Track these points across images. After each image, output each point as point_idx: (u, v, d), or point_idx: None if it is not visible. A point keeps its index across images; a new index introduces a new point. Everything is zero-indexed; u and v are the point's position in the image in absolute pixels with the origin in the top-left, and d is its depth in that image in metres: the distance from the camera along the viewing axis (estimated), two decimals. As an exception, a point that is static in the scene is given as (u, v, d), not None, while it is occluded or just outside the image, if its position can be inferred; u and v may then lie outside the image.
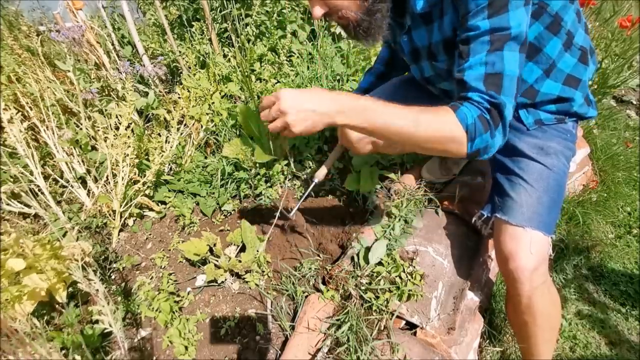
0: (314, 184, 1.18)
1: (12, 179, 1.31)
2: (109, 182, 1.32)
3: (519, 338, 1.01)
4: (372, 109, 0.72)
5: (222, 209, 1.42)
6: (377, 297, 1.03)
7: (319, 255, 1.23)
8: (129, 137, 1.32)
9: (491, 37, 0.70)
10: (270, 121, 0.75)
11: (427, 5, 0.81)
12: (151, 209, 1.42)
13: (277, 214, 1.26)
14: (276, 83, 1.98)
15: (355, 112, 0.72)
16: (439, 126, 0.72)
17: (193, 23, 2.17)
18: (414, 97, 1.11)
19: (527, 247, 0.87)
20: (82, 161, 1.43)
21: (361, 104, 0.72)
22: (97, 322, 0.95)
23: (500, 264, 0.94)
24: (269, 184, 1.47)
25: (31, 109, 1.39)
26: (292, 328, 1.04)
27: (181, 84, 1.90)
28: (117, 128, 1.34)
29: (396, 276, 1.07)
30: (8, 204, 1.27)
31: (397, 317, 1.02)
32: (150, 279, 1.21)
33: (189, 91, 1.69)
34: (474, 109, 0.71)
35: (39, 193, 1.30)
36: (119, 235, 1.35)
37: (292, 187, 1.51)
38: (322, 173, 1.18)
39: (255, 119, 1.49)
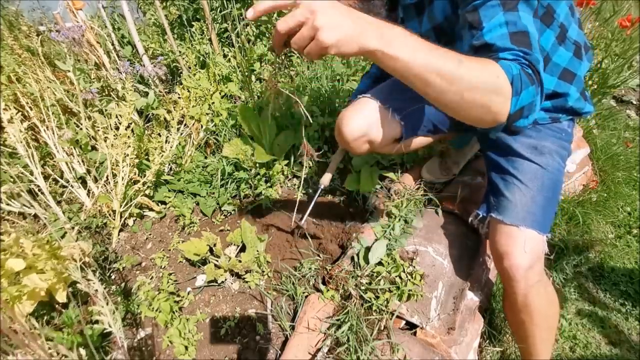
0: (320, 190, 1.19)
1: (12, 179, 1.31)
2: (109, 182, 1.32)
3: (517, 338, 1.02)
4: (413, 39, 0.60)
5: (222, 209, 1.42)
6: (377, 297, 1.03)
7: (319, 255, 1.23)
8: (129, 137, 1.32)
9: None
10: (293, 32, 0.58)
11: None
12: (151, 209, 1.42)
13: (293, 225, 1.28)
14: (276, 83, 1.98)
15: (395, 37, 0.58)
16: (484, 71, 0.61)
17: (193, 23, 2.17)
18: (411, 98, 1.11)
19: (522, 245, 0.87)
20: (82, 161, 1.43)
21: (401, 31, 0.60)
22: (96, 322, 0.95)
23: (495, 262, 0.94)
24: (269, 184, 1.48)
25: (31, 109, 1.39)
26: (292, 328, 1.04)
27: (181, 84, 1.90)
28: (117, 128, 1.34)
29: (396, 276, 1.07)
30: (8, 204, 1.27)
31: (397, 317, 1.02)
32: (150, 279, 1.21)
33: (189, 91, 1.69)
34: (514, 64, 0.63)
35: (39, 193, 1.30)
36: (118, 235, 1.35)
37: (292, 187, 1.51)
38: (327, 179, 1.20)
39: (255, 119, 1.49)
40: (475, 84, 0.60)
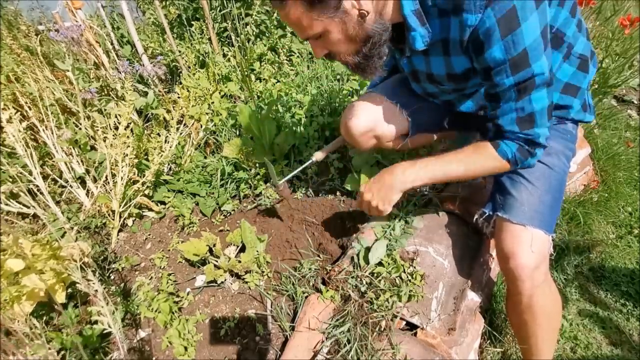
0: (310, 161, 1.20)
1: (11, 179, 1.31)
2: (108, 182, 1.32)
3: (519, 338, 1.01)
4: (430, 167, 0.90)
5: (222, 209, 1.42)
6: (378, 298, 1.03)
7: (318, 256, 1.23)
8: (128, 137, 1.31)
9: (517, 87, 0.76)
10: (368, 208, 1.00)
11: (426, 45, 0.85)
12: (150, 209, 1.42)
13: (270, 183, 1.28)
14: (276, 82, 1.98)
15: (417, 175, 0.91)
16: (485, 164, 0.88)
17: (192, 22, 2.17)
18: (417, 94, 1.10)
19: (528, 245, 0.86)
20: (81, 161, 1.43)
21: (420, 168, 0.91)
22: (96, 322, 0.94)
23: (501, 262, 0.93)
24: (268, 184, 1.47)
25: (30, 109, 1.39)
26: (292, 329, 1.03)
27: (181, 83, 1.90)
28: (117, 128, 1.33)
29: (396, 276, 1.06)
30: (7, 204, 1.27)
31: (398, 317, 1.02)
32: (150, 279, 1.20)
33: (188, 91, 1.68)
34: (512, 144, 0.84)
35: (38, 193, 1.30)
36: (118, 235, 1.35)
37: (292, 188, 1.50)
38: (320, 154, 1.20)
39: (255, 119, 1.49)
40: (481, 172, 0.91)
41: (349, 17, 0.75)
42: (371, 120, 1.08)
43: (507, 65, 0.73)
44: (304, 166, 1.21)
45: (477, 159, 0.88)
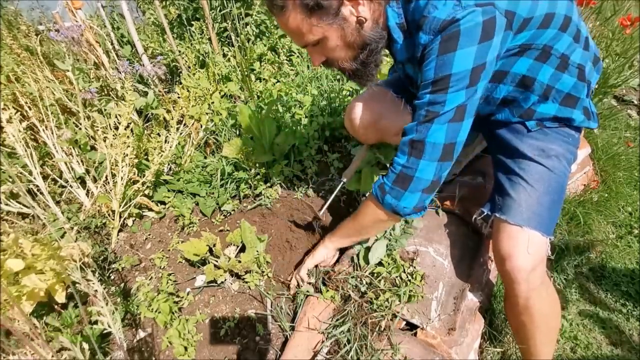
0: (342, 183, 1.20)
1: (11, 179, 1.31)
2: (108, 182, 1.31)
3: (518, 339, 1.01)
4: (336, 240, 1.09)
5: (222, 209, 1.42)
6: (378, 298, 1.03)
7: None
8: (128, 137, 1.31)
9: (426, 110, 0.77)
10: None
11: (405, 57, 0.87)
12: (150, 209, 1.42)
13: (316, 214, 1.28)
14: (276, 82, 1.98)
15: (332, 248, 1.10)
16: (374, 224, 0.98)
17: (192, 22, 2.17)
18: None
19: (525, 247, 0.86)
20: (81, 161, 1.43)
21: (329, 245, 1.09)
22: (96, 322, 0.94)
23: (497, 264, 0.93)
24: (268, 184, 1.47)
25: (30, 109, 1.39)
26: (292, 329, 1.03)
27: (181, 83, 1.90)
28: (117, 128, 1.33)
29: (396, 277, 1.06)
30: (7, 204, 1.27)
31: (397, 317, 1.02)
32: (150, 279, 1.20)
33: (188, 91, 1.68)
34: (380, 178, 0.89)
35: (38, 193, 1.30)
36: (118, 235, 1.35)
37: (292, 188, 1.50)
38: (349, 173, 1.21)
39: (255, 119, 1.48)
40: (376, 231, 1.07)
41: (347, 24, 0.76)
42: (375, 113, 1.08)
43: (430, 82, 0.74)
44: (336, 190, 1.21)
45: (369, 223, 0.98)
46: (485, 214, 0.99)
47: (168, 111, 1.62)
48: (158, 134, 1.54)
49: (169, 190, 1.48)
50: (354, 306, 1.02)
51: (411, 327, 1.05)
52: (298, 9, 0.72)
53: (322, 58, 0.84)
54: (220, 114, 1.72)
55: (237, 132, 1.70)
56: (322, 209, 1.18)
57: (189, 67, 1.94)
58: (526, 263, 0.85)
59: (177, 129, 1.54)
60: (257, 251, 1.20)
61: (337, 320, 1.01)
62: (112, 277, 1.22)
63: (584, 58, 0.89)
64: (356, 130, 1.11)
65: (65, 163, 1.37)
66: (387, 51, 0.92)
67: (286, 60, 2.11)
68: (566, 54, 0.85)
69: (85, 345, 0.75)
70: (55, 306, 1.03)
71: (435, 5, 0.71)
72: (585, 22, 1.82)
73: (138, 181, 1.36)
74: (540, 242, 0.88)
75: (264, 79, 2.01)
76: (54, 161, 1.40)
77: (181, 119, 1.61)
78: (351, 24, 0.76)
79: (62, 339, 0.72)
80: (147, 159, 1.46)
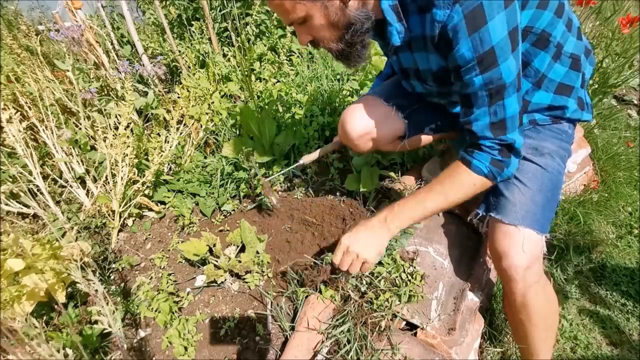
0: (297, 164, 1.22)
1: (11, 179, 1.31)
2: (108, 182, 1.32)
3: (516, 338, 1.01)
4: (409, 209, 0.89)
5: (222, 209, 1.42)
6: (377, 298, 1.03)
7: (318, 256, 1.23)
8: (128, 136, 1.31)
9: (489, 90, 0.76)
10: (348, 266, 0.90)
11: (402, 40, 0.85)
12: (150, 209, 1.42)
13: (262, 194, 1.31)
14: (276, 82, 1.98)
15: (400, 220, 0.89)
16: (463, 189, 0.86)
17: (192, 22, 2.17)
18: (413, 96, 1.11)
19: (520, 245, 0.87)
20: (81, 161, 1.43)
21: (399, 212, 0.89)
22: (96, 322, 0.94)
23: (494, 262, 0.94)
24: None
25: (30, 109, 1.39)
26: (292, 329, 1.03)
27: (181, 83, 1.90)
28: (117, 128, 1.33)
29: (396, 277, 1.06)
30: (7, 204, 1.27)
31: (397, 317, 1.02)
32: (150, 279, 1.20)
33: (188, 91, 1.68)
34: (485, 156, 0.83)
35: (38, 193, 1.30)
36: (118, 235, 1.35)
37: (292, 188, 1.50)
38: (310, 157, 1.22)
39: (255, 119, 1.48)
40: (462, 198, 0.87)
41: (331, 3, 0.76)
42: (367, 123, 1.09)
43: (475, 63, 0.73)
44: (289, 168, 1.26)
45: (454, 185, 0.86)
46: (481, 215, 0.99)
47: (168, 111, 1.62)
48: (158, 134, 1.54)
49: (169, 190, 1.48)
50: (354, 306, 1.02)
51: (411, 327, 1.05)
52: None
53: (308, 37, 0.84)
54: (220, 114, 1.72)
55: (237, 132, 1.70)
56: (271, 176, 1.25)
57: (189, 67, 1.94)
58: (522, 261, 0.86)
59: (177, 129, 1.54)
60: (257, 251, 1.20)
61: (337, 320, 1.01)
62: (112, 277, 1.22)
63: (577, 47, 0.90)
64: (350, 141, 1.12)
65: (65, 163, 1.37)
66: (381, 52, 0.91)
67: (286, 60, 2.11)
68: (561, 43, 0.86)
69: (70, 351, 0.75)
70: (56, 306, 1.03)
71: None
72: (585, 23, 1.82)
73: (138, 181, 1.36)
74: (536, 240, 0.88)
75: (264, 79, 2.01)
76: (54, 161, 1.40)
77: (181, 119, 1.61)
78: (335, 2, 0.76)
79: (44, 347, 0.71)
80: (147, 159, 1.46)
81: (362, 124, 1.09)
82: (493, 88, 0.75)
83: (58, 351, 0.73)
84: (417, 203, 0.88)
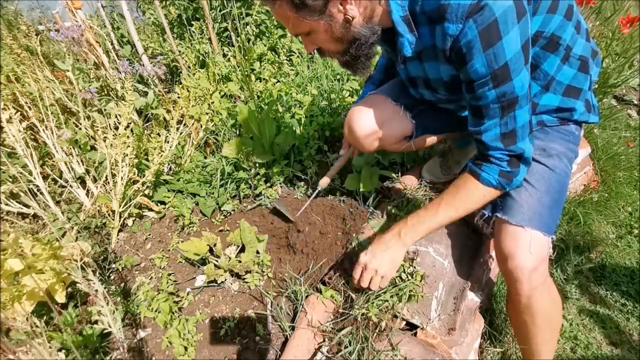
0: (317, 192, 1.23)
1: (11, 179, 1.31)
2: (108, 182, 1.32)
3: (518, 338, 1.01)
4: (422, 222, 0.90)
5: (222, 209, 1.42)
6: (377, 297, 1.03)
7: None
8: (128, 137, 1.31)
9: (501, 103, 0.77)
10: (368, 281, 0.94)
11: (414, 51, 0.85)
12: (150, 209, 1.42)
13: (290, 218, 1.29)
14: (276, 82, 1.98)
15: (414, 234, 0.91)
16: (473, 200, 0.88)
17: (192, 22, 2.17)
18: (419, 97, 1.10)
19: (527, 246, 0.86)
20: (81, 161, 1.43)
21: (413, 226, 0.91)
22: (96, 322, 0.94)
23: (500, 263, 0.93)
24: (268, 184, 1.47)
25: (30, 109, 1.39)
26: (292, 329, 1.03)
27: (181, 83, 1.90)
28: (117, 128, 1.33)
29: (396, 277, 1.06)
30: (7, 204, 1.27)
31: (398, 317, 1.02)
32: (150, 279, 1.20)
33: (188, 91, 1.68)
34: (494, 168, 0.84)
35: (38, 193, 1.30)
36: (118, 235, 1.35)
37: (292, 188, 1.50)
38: (325, 182, 1.24)
39: (255, 119, 1.48)
40: (472, 207, 0.89)
41: (335, 21, 0.76)
42: (375, 122, 1.08)
43: (489, 79, 0.73)
44: (311, 198, 1.26)
45: (464, 198, 0.88)
46: (487, 215, 0.99)
47: (168, 111, 1.62)
48: (158, 134, 1.54)
49: (169, 190, 1.48)
50: (353, 306, 1.02)
51: (411, 327, 1.05)
52: (285, 4, 0.72)
53: (314, 46, 0.85)
54: (220, 114, 1.72)
55: (237, 132, 1.70)
56: (298, 213, 1.24)
57: (189, 67, 1.94)
58: (528, 262, 0.85)
59: (177, 129, 1.54)
60: (257, 251, 1.20)
61: (337, 320, 1.01)
62: (112, 277, 1.22)
63: (585, 50, 0.90)
64: (356, 140, 1.11)
65: (65, 163, 1.37)
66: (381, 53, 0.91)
67: (286, 60, 2.11)
68: (570, 45, 0.86)
69: (62, 355, 0.75)
70: (56, 306, 1.03)
71: None
72: (585, 23, 1.82)
73: (138, 181, 1.36)
74: (542, 241, 0.88)
75: (264, 79, 2.01)
76: (54, 161, 1.40)
77: (181, 119, 1.61)
78: (339, 20, 0.76)
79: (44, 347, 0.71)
80: (147, 159, 1.46)
81: (369, 124, 1.08)
82: (505, 101, 0.76)
83: (59, 351, 0.73)
84: (430, 216, 0.90)
